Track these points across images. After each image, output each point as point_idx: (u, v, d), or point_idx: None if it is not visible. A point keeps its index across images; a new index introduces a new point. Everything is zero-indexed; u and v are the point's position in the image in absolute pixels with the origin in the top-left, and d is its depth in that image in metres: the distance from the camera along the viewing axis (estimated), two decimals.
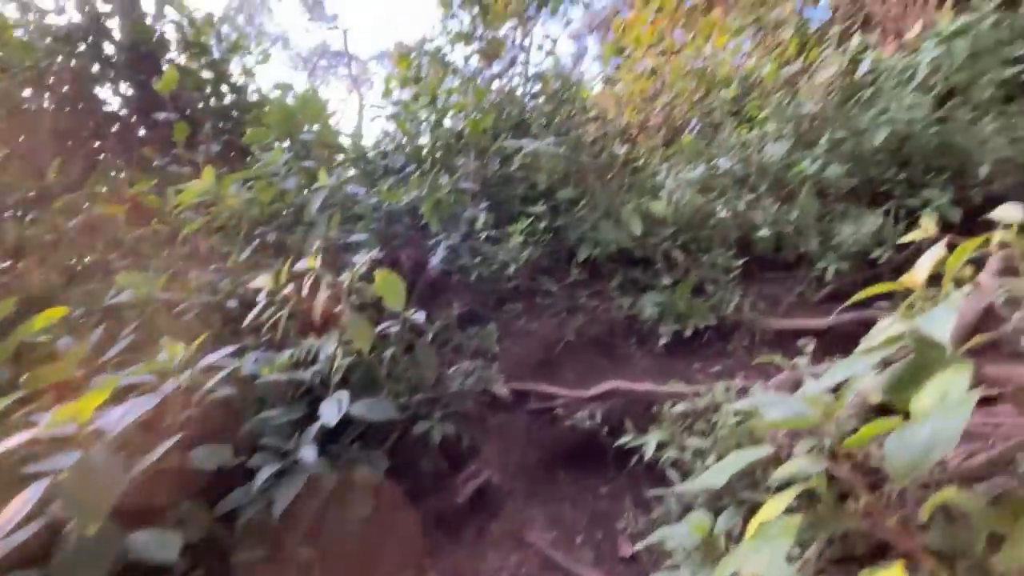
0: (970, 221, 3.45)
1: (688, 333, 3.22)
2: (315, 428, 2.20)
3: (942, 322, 1.03)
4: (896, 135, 3.51)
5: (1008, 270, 1.21)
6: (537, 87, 5.68)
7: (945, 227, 3.32)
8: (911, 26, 4.98)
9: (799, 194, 3.63)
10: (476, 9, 7.22)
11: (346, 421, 2.35)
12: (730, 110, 5.10)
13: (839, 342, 3.17)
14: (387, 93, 5.23)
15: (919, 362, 1.15)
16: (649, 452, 1.96)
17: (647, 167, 5.12)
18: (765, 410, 1.18)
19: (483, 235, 3.46)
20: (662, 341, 3.23)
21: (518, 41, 7.54)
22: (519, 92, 5.67)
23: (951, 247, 1.26)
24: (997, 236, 1.20)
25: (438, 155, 4.43)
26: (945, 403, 1.03)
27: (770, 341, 3.18)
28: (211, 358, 2.61)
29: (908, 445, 0.98)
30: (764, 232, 3.47)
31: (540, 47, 6.31)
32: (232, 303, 3.09)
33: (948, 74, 3.93)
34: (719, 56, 5.94)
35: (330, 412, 2.12)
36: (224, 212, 3.29)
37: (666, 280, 3.49)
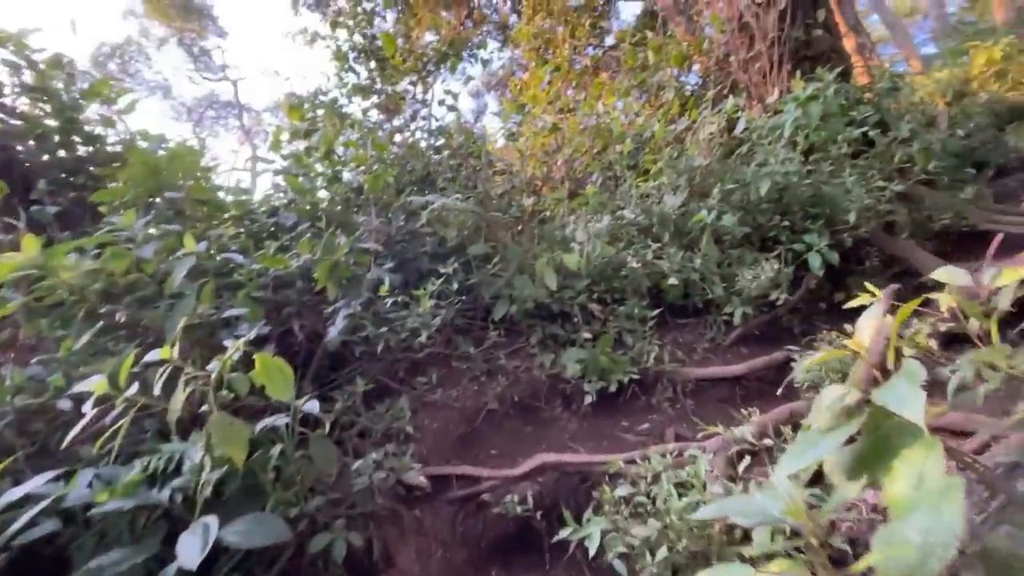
0: (845, 262, 3.79)
1: (613, 388, 3.10)
2: (171, 573, 1.67)
3: (913, 402, 0.93)
4: (776, 186, 3.82)
5: (957, 337, 1.17)
6: (440, 141, 5.59)
7: (828, 268, 3.59)
8: (771, 92, 5.67)
9: (700, 242, 3.78)
10: (373, 64, 7.11)
11: (219, 549, 1.84)
12: (628, 164, 5.36)
13: (756, 387, 3.23)
14: (276, 146, 4.80)
15: (884, 440, 1.05)
16: (593, 547, 1.71)
17: (555, 219, 5.15)
18: (735, 517, 1.00)
19: (389, 300, 3.13)
20: (588, 400, 3.07)
21: (419, 96, 7.50)
22: (422, 145, 5.53)
23: (893, 305, 1.22)
24: (944, 301, 1.17)
25: (336, 211, 4.07)
26: (925, 490, 0.92)
27: (692, 391, 3.15)
28: (28, 485, 1.99)
29: (899, 559, 0.84)
30: (673, 280, 3.53)
31: (441, 102, 6.29)
32: (64, 404, 2.43)
33: (808, 132, 4.43)
34: (612, 114, 6.31)
35: (190, 550, 1.61)
36: (59, 287, 2.65)
37: (586, 334, 3.38)
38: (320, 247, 3.00)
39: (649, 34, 7.40)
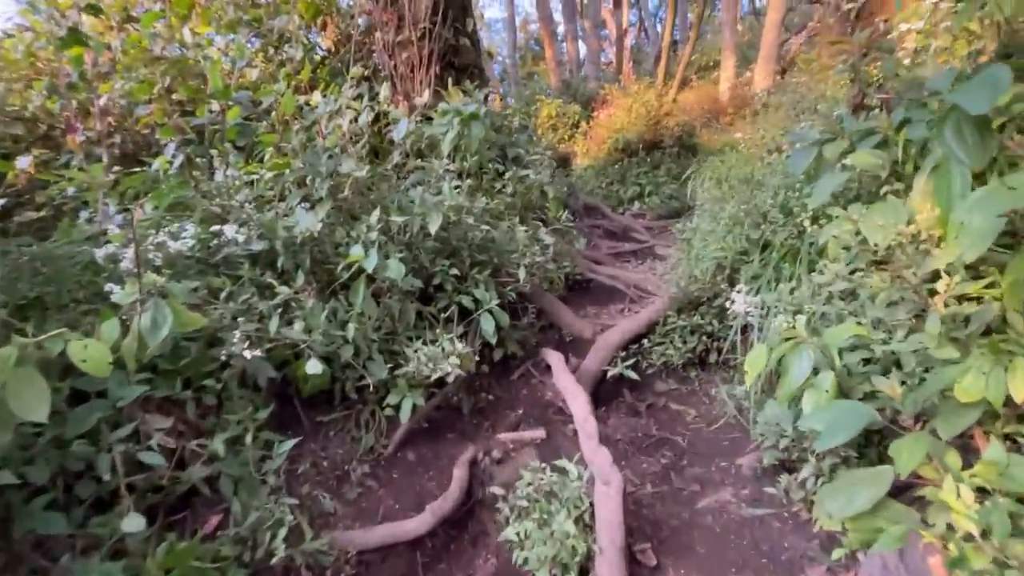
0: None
1: None
2: None
3: None
4: (445, 221, 3.01)
5: None
6: None
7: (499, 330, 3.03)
8: (420, 91, 4.92)
9: (351, 291, 2.55)
10: None
11: None
12: (233, 137, 3.47)
13: (443, 540, 2.30)
14: None
15: None
16: None
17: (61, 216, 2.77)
18: None
19: None
20: None
21: None
22: None
23: None
24: None
25: None
26: None
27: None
28: None
29: None
30: (315, 366, 2.16)
31: None
32: None
33: (465, 155, 3.87)
34: (207, 49, 4.14)
35: None
36: None
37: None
38: None
39: None
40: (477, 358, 2.86)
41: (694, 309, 3.46)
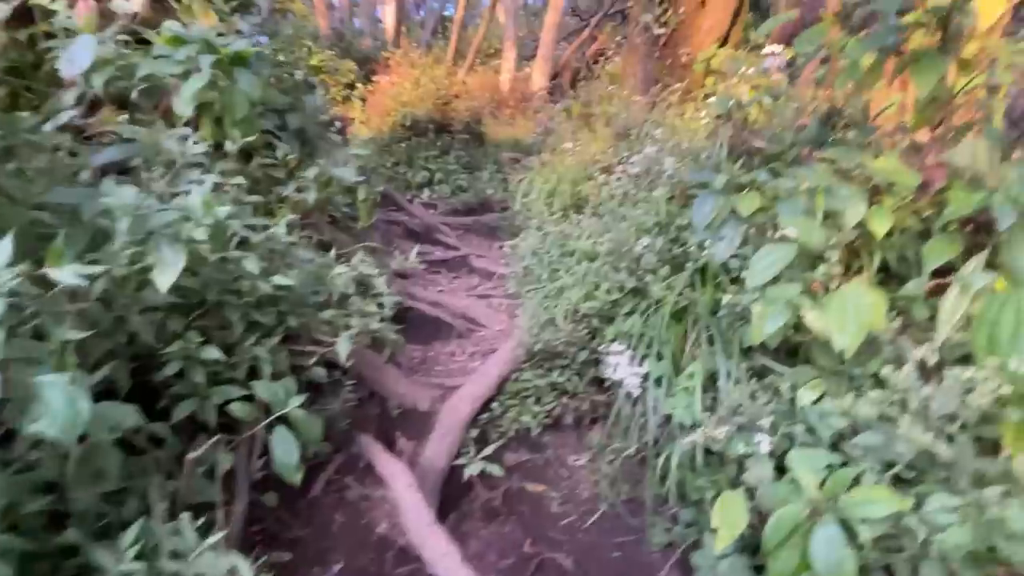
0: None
1: None
2: None
3: None
4: (194, 259, 1.59)
5: None
6: None
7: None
8: None
9: None
10: None
11: None
12: None
13: None
14: None
15: None
16: None
17: None
18: None
19: None
20: None
21: None
22: None
23: None
24: None
25: None
26: None
27: None
28: None
29: None
30: None
31: None
32: None
33: (222, 122, 2.33)
34: None
35: None
36: None
37: None
38: None
39: None
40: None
41: (550, 361, 2.85)
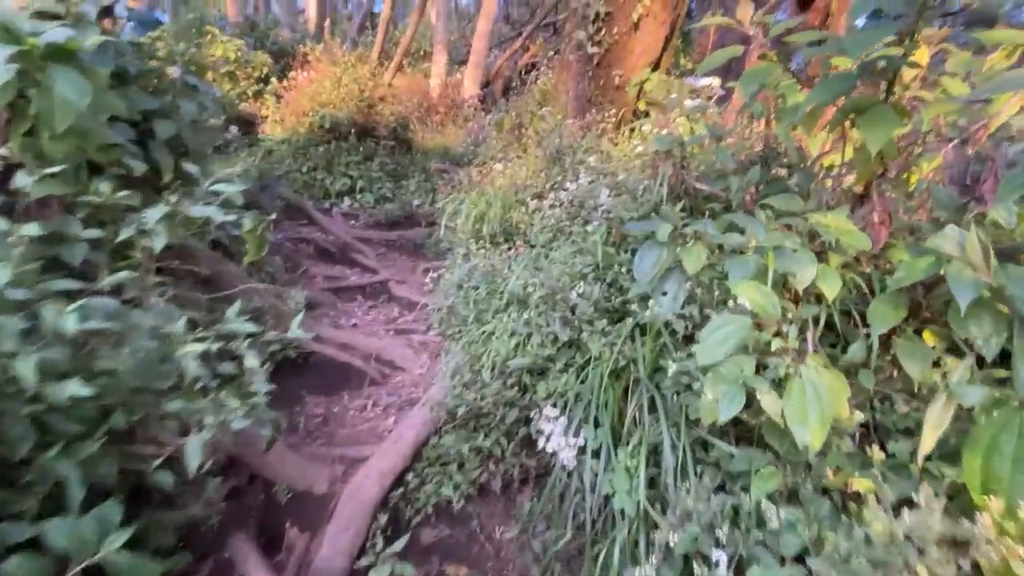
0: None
1: None
2: None
3: None
4: None
5: None
6: None
7: None
8: None
9: None
10: None
11: None
12: None
13: None
14: None
15: None
16: None
17: None
18: None
19: None
20: None
21: None
22: None
23: None
24: None
25: None
26: None
27: None
28: None
29: None
30: None
31: None
32: None
33: (40, 135, 1.76)
34: None
35: None
36: None
37: None
38: None
39: None
40: None
41: (475, 421, 2.50)
